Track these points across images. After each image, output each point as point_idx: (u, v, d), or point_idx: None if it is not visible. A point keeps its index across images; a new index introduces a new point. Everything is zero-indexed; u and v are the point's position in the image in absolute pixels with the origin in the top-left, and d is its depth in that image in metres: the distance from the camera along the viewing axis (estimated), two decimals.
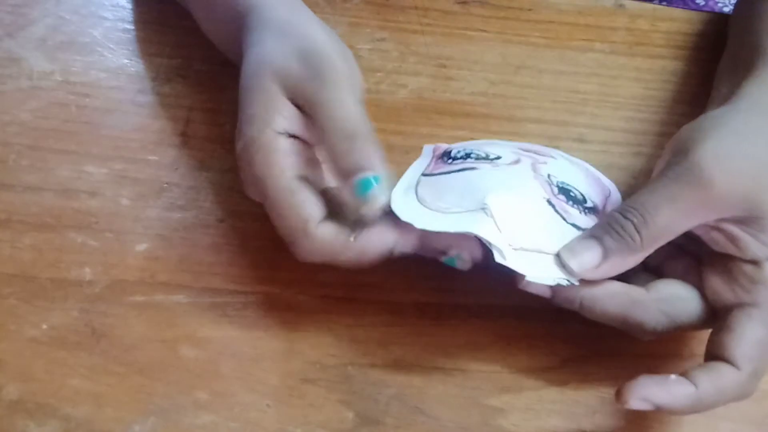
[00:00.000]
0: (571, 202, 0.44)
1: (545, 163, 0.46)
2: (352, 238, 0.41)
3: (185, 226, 0.48)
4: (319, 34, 0.45)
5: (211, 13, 0.51)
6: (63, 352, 0.44)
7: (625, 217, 0.41)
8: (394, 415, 0.43)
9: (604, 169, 0.51)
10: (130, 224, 0.48)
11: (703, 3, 0.67)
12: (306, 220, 0.41)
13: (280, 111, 0.43)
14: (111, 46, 0.55)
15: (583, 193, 0.45)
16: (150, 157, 0.51)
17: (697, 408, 0.40)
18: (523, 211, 0.43)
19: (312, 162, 0.44)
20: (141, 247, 0.47)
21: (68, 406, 0.42)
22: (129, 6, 0.57)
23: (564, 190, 0.45)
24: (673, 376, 0.39)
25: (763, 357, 0.40)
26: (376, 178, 0.41)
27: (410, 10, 0.59)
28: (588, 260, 0.41)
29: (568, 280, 0.41)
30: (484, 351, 0.45)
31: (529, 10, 0.60)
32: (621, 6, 0.60)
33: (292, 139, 0.43)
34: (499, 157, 0.45)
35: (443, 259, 0.43)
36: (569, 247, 0.42)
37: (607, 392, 0.44)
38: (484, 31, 0.58)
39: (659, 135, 0.55)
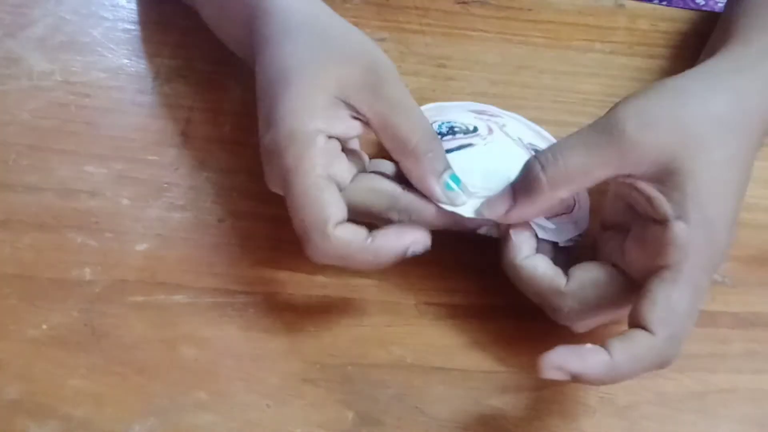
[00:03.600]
0: None
1: (505, 125, 0.49)
2: (368, 240, 0.42)
3: (185, 226, 0.48)
4: (362, 36, 0.46)
5: (219, 3, 0.51)
6: (63, 352, 0.44)
7: (535, 158, 0.42)
8: (394, 415, 0.43)
9: None
10: (130, 224, 0.48)
11: (703, 3, 0.67)
12: (326, 219, 0.41)
13: (326, 110, 0.43)
14: (111, 46, 0.55)
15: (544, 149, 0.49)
16: (150, 157, 0.51)
17: (614, 377, 0.39)
18: None
19: (339, 157, 0.44)
20: (141, 247, 0.47)
21: (68, 406, 0.42)
22: (129, 6, 0.57)
23: (536, 151, 0.47)
24: (588, 345, 0.39)
25: (680, 320, 0.39)
26: (454, 176, 0.44)
27: (410, 10, 0.59)
28: (498, 206, 0.43)
29: (581, 235, 0.45)
30: (484, 351, 0.45)
31: (529, 10, 0.60)
32: (621, 6, 0.61)
33: (328, 139, 0.43)
34: (476, 128, 0.48)
35: (479, 231, 0.46)
36: (488, 198, 0.43)
37: (607, 392, 0.44)
38: (484, 31, 0.58)
39: None
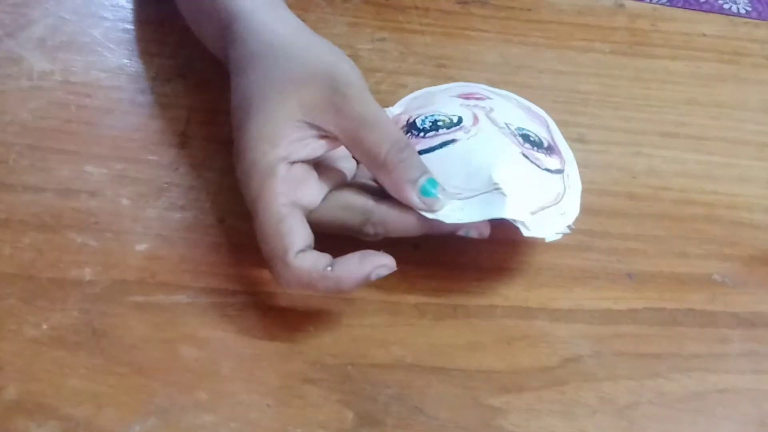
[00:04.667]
0: (535, 148, 0.47)
1: (492, 109, 0.48)
2: (329, 269, 0.42)
3: (185, 226, 0.48)
4: (324, 50, 0.46)
5: (197, 19, 0.51)
6: (63, 352, 0.44)
7: None
8: (394, 415, 0.43)
9: (604, 169, 0.51)
10: (130, 224, 0.48)
11: (703, 2, 0.67)
12: (286, 248, 0.42)
13: (289, 136, 0.43)
14: (111, 46, 0.55)
15: (535, 132, 0.48)
16: (150, 157, 0.51)
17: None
18: (519, 175, 0.45)
19: (305, 180, 0.44)
20: (141, 247, 0.47)
21: (68, 406, 0.42)
22: (129, 6, 0.57)
23: (524, 137, 0.47)
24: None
25: None
26: (431, 180, 0.43)
27: (410, 10, 0.59)
28: None
29: (569, 227, 0.45)
30: (484, 351, 0.45)
31: (529, 10, 0.60)
32: (621, 6, 0.61)
33: (291, 164, 0.43)
34: (460, 119, 0.47)
35: (458, 233, 0.45)
36: None
37: (607, 392, 0.44)
38: (484, 31, 0.58)
39: (659, 135, 0.55)
